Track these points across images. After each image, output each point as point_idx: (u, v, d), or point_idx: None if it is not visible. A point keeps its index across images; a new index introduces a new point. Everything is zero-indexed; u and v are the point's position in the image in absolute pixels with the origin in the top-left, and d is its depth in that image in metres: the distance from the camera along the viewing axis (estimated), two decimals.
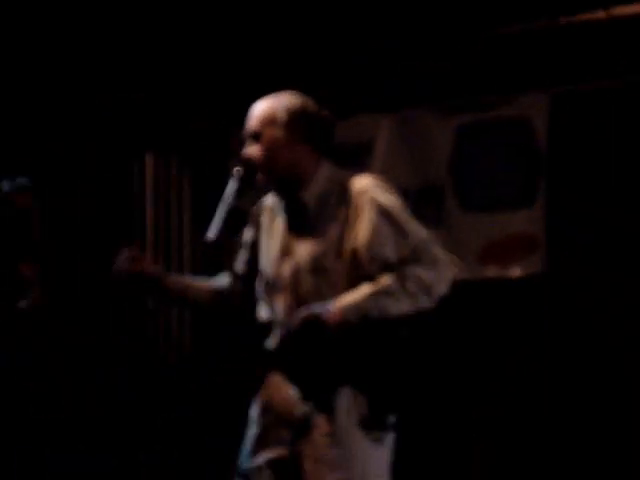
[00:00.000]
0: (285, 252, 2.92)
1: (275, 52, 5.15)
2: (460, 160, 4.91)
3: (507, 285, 4.78)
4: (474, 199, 4.88)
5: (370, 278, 2.81)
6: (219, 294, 3.08)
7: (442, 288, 2.82)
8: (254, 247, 3.06)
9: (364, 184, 2.90)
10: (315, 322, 2.74)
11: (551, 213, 4.72)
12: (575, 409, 4.68)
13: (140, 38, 5.22)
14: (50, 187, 5.31)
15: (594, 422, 4.63)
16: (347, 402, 2.81)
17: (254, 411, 2.97)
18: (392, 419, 2.83)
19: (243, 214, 2.95)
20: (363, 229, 2.83)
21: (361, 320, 2.77)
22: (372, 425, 2.80)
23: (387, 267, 2.81)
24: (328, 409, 2.81)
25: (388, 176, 4.83)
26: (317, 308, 2.78)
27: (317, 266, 2.85)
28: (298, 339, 2.78)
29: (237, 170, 2.91)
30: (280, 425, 2.88)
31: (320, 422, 2.82)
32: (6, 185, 3.50)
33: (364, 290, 2.79)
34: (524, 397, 4.79)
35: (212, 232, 2.79)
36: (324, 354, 2.79)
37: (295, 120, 2.90)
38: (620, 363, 4.62)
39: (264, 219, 3.04)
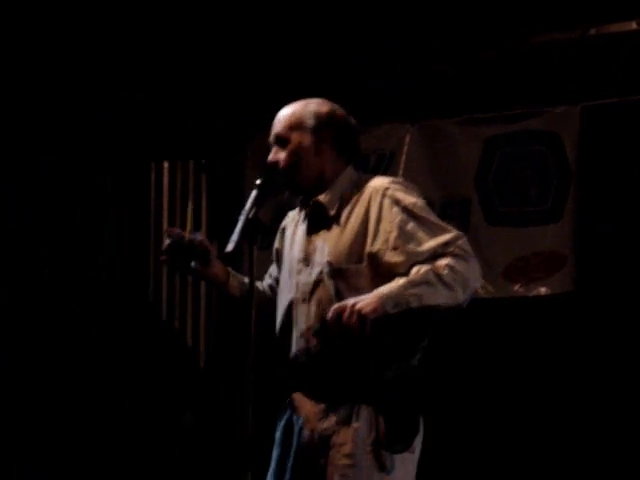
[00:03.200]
0: (305, 259, 2.86)
1: (277, 51, 5.11)
2: (487, 173, 4.82)
3: (534, 304, 4.67)
4: (500, 213, 4.78)
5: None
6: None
7: (476, 283, 2.73)
8: (279, 260, 3.05)
9: (384, 184, 2.83)
10: (350, 313, 2.60)
11: (580, 229, 4.61)
12: (602, 430, 4.56)
13: (140, 38, 5.18)
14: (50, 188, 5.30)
15: (622, 443, 4.52)
16: (368, 420, 2.73)
17: (278, 432, 2.90)
18: (404, 445, 2.73)
19: (262, 225, 2.86)
20: (387, 229, 2.75)
21: (400, 311, 2.63)
22: (386, 447, 2.71)
23: (417, 262, 2.70)
24: (351, 425, 2.73)
25: None
26: (350, 300, 2.65)
27: (337, 270, 2.77)
28: (333, 334, 2.64)
29: (257, 181, 2.84)
30: (306, 442, 2.79)
31: (343, 439, 2.74)
32: None
33: (400, 281, 2.67)
34: (550, 418, 4.66)
35: (231, 244, 2.71)
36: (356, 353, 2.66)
37: (323, 126, 2.86)
38: None
39: (288, 231, 3.02)
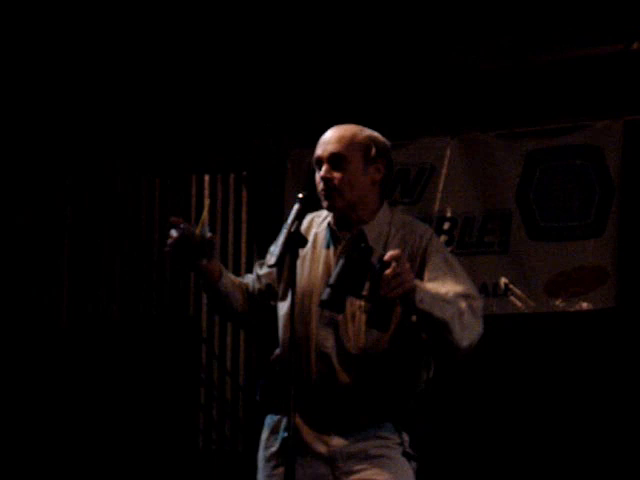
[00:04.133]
0: None
1: (289, 55, 5.15)
2: (528, 187, 4.80)
3: (575, 319, 4.64)
4: (542, 228, 4.76)
5: None
6: (245, 291, 3.02)
7: (475, 338, 2.75)
8: (281, 272, 2.97)
9: (429, 232, 2.90)
10: (400, 267, 2.58)
11: (623, 244, 4.57)
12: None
13: (156, 46, 5.25)
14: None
15: None
16: (394, 437, 2.80)
17: (274, 448, 2.87)
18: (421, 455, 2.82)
19: (303, 238, 2.85)
20: (428, 272, 2.79)
21: (425, 314, 2.66)
22: (411, 457, 2.80)
23: None
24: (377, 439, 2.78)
25: (452, 200, 4.89)
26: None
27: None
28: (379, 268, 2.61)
29: (299, 195, 2.83)
30: (314, 460, 2.80)
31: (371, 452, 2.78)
32: None
33: (436, 289, 2.71)
34: (589, 434, 4.62)
35: (274, 257, 2.71)
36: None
37: (381, 155, 2.89)
38: None
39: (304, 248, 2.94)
